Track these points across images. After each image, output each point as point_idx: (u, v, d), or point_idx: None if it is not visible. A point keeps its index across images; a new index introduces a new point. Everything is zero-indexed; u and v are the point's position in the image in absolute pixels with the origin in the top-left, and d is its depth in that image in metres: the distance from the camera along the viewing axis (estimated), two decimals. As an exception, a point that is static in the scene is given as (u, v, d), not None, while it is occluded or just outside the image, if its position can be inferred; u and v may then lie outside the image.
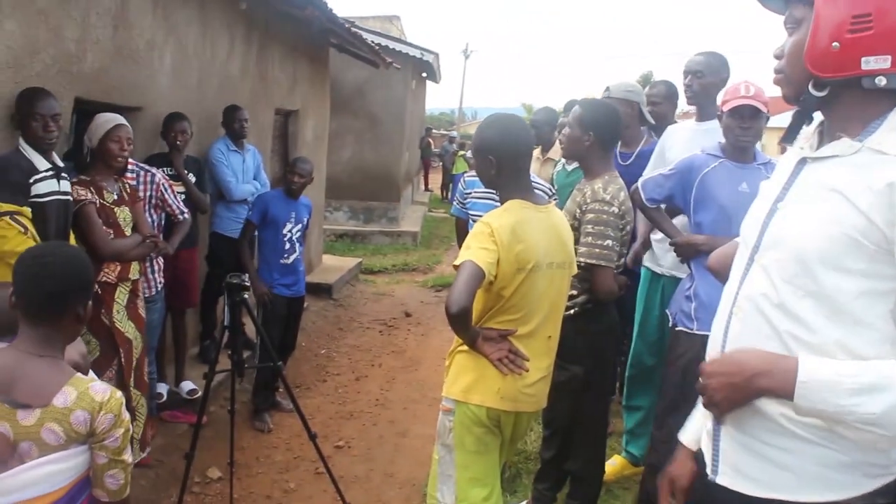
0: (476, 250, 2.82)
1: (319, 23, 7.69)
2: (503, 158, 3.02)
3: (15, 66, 3.82)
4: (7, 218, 3.61)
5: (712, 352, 1.87)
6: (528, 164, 3.13)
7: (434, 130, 32.07)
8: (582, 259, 3.52)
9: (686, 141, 4.37)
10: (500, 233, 2.85)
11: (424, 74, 18.72)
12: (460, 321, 2.78)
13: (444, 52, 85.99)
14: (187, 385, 5.65)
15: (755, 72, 28.54)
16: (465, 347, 3.01)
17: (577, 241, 3.43)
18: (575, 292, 3.60)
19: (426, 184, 26.67)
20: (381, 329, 8.79)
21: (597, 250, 3.57)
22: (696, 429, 2.01)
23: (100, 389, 2.11)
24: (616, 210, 3.61)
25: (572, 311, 3.58)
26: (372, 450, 5.45)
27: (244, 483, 4.78)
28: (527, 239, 2.90)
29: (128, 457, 2.16)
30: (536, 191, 3.24)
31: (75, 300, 2.14)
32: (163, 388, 5.47)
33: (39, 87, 3.86)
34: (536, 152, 6.12)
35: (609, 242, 3.58)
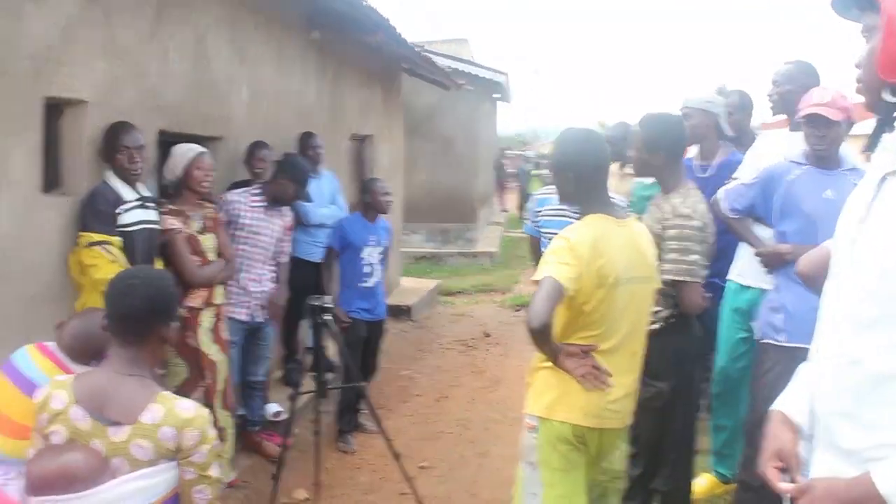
0: (555, 265, 2.79)
1: (390, 48, 7.80)
2: (582, 173, 3.00)
3: (102, 102, 3.98)
4: (98, 247, 3.75)
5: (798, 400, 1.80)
6: (606, 177, 3.09)
7: (508, 150, 32.11)
8: (668, 276, 3.46)
9: (778, 148, 4.26)
10: (580, 247, 2.82)
11: (496, 95, 18.76)
12: (541, 337, 2.76)
13: (516, 72, 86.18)
14: (272, 407, 5.73)
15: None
16: (547, 364, 2.97)
17: (658, 257, 3.38)
18: (659, 308, 3.54)
19: (502, 204, 26.68)
20: (462, 349, 8.78)
21: (683, 266, 3.51)
22: (794, 399, 1.90)
23: (186, 407, 2.18)
24: (698, 223, 3.54)
25: (656, 326, 3.51)
26: (454, 470, 5.43)
27: (328, 503, 4.81)
28: (607, 253, 2.86)
29: (214, 473, 2.21)
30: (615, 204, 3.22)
31: (159, 322, 2.22)
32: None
33: (125, 121, 4.00)
34: (615, 167, 6.06)
35: (694, 257, 3.52)
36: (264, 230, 5.15)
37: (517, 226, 21.89)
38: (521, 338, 7.90)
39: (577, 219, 3.07)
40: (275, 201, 5.18)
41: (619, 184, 5.90)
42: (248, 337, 5.21)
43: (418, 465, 5.43)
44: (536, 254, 4.64)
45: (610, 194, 3.17)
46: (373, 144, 9.24)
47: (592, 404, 2.91)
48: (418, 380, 7.54)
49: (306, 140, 6.27)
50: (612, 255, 2.87)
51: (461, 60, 15.53)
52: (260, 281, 5.16)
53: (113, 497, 2.08)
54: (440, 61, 11.27)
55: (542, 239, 4.58)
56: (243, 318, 5.07)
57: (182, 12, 4.70)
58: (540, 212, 4.74)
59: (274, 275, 5.28)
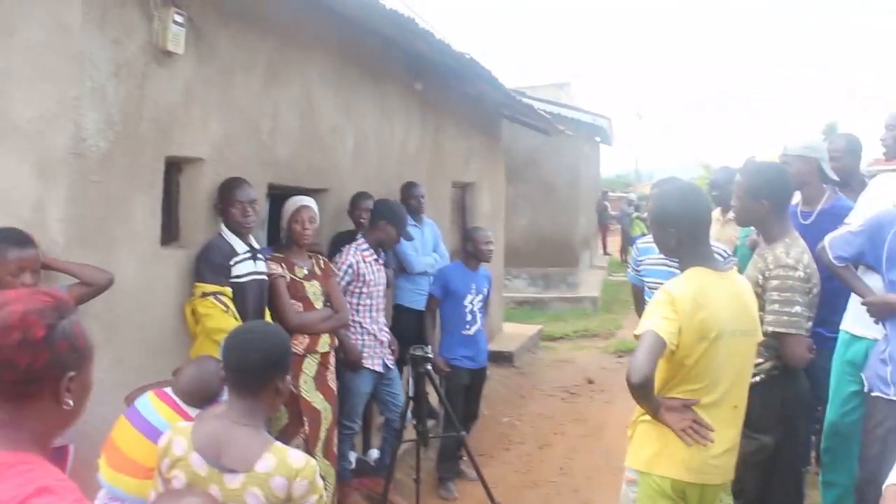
0: (657, 319, 2.79)
1: (492, 97, 7.93)
2: (683, 229, 3.00)
3: (217, 159, 4.20)
4: (211, 298, 3.94)
5: None
6: (707, 231, 3.09)
7: (611, 193, 31.85)
8: (770, 327, 3.40)
9: (891, 193, 4.14)
10: (682, 301, 2.81)
11: (598, 139, 18.72)
12: (642, 391, 2.75)
13: (618, 115, 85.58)
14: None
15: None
16: (647, 417, 2.96)
17: (760, 308, 3.32)
18: (761, 360, 3.47)
19: (604, 247, 26.42)
20: (564, 396, 8.72)
21: (784, 318, 3.43)
22: None
23: (297, 457, 2.28)
24: (801, 274, 3.47)
25: (758, 379, 3.44)
26: (556, 520, 5.38)
27: (431, 551, 4.84)
28: (709, 306, 2.85)
29: None
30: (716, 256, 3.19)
31: (274, 375, 2.33)
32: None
33: (238, 176, 4.20)
34: (717, 213, 5.98)
35: (797, 309, 3.44)
36: (380, 279, 5.34)
37: (619, 269, 21.65)
38: (625, 385, 7.76)
39: (679, 270, 3.07)
40: (379, 246, 5.33)
41: (722, 230, 5.81)
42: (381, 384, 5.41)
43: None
44: (640, 302, 4.62)
45: (712, 244, 3.16)
46: (474, 191, 9.35)
47: (694, 459, 2.88)
48: (519, 427, 7.51)
49: (409, 189, 6.42)
50: (713, 308, 2.85)
51: (562, 105, 15.59)
52: (384, 329, 5.39)
53: None
54: (541, 106, 11.34)
55: (645, 288, 4.56)
56: (379, 368, 5.27)
57: (290, 69, 4.92)
58: (642, 261, 4.72)
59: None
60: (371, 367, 5.18)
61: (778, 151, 4.87)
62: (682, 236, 3.00)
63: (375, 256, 5.32)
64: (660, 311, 2.83)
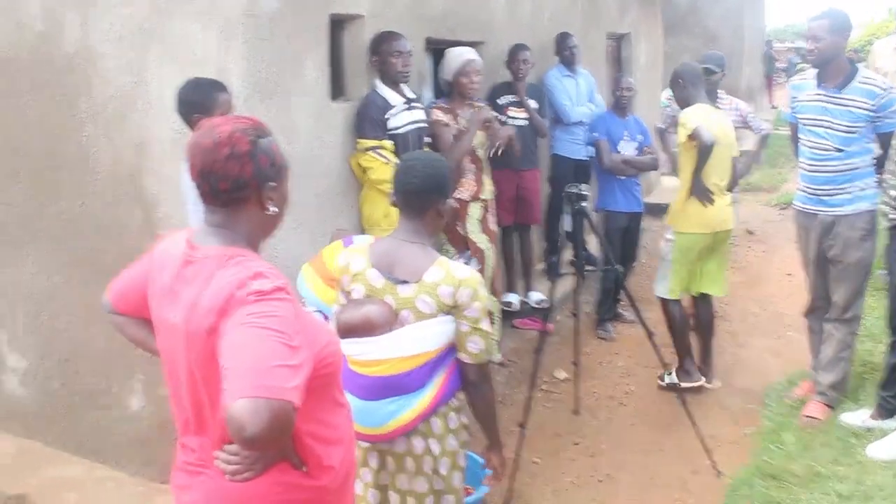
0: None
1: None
2: None
3: (377, 15, 4.40)
4: (371, 152, 4.21)
5: None
6: None
7: (778, 43, 30.01)
8: None
9: None
10: None
11: (764, -17, 17.62)
12: None
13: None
14: (536, 295, 6.12)
15: None
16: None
17: None
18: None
19: (771, 100, 25.14)
20: (723, 247, 8.67)
21: None
22: None
23: (461, 269, 2.55)
24: None
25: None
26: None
27: (588, 384, 5.12)
28: None
29: (485, 326, 2.56)
30: None
31: (435, 198, 2.59)
32: (514, 298, 5.99)
33: (392, 30, 4.39)
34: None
35: None
36: None
37: (786, 123, 20.66)
38: (785, 237, 7.70)
39: None
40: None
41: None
42: None
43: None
44: (796, 141, 4.56)
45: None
46: (630, 42, 9.17)
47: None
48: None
49: (562, 40, 6.42)
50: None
51: (725, -52, 14.73)
52: None
53: (404, 341, 2.52)
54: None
55: (800, 125, 4.48)
56: None
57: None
58: (796, 97, 4.62)
59: None
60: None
61: None
62: None
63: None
64: None
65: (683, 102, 4.86)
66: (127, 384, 3.96)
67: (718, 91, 6.05)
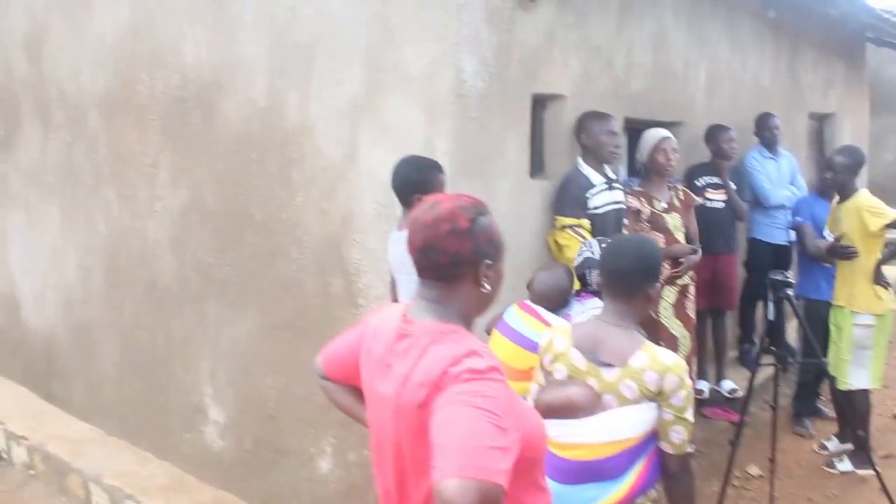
0: None
1: (855, 18, 7.38)
2: None
3: (577, 95, 4.45)
4: (569, 230, 4.22)
5: None
6: None
7: None
8: None
9: None
10: None
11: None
12: None
13: None
14: (728, 384, 5.86)
15: None
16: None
17: None
18: None
19: None
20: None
21: None
22: None
23: (667, 355, 2.48)
24: None
25: None
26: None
27: (783, 483, 4.82)
28: None
29: (689, 416, 2.47)
30: None
31: (645, 281, 2.54)
32: (704, 386, 5.75)
33: (601, 111, 4.41)
34: None
35: None
36: None
37: None
38: None
39: None
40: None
41: None
42: None
43: (881, 456, 5.19)
44: None
45: None
46: (834, 123, 8.78)
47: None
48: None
49: (764, 120, 6.24)
50: None
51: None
52: None
53: (606, 426, 2.46)
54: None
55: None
56: None
57: (644, 5, 5.01)
58: None
59: None
60: None
61: None
62: None
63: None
64: None
65: (843, 189, 4.99)
66: (319, 446, 4.10)
67: None
